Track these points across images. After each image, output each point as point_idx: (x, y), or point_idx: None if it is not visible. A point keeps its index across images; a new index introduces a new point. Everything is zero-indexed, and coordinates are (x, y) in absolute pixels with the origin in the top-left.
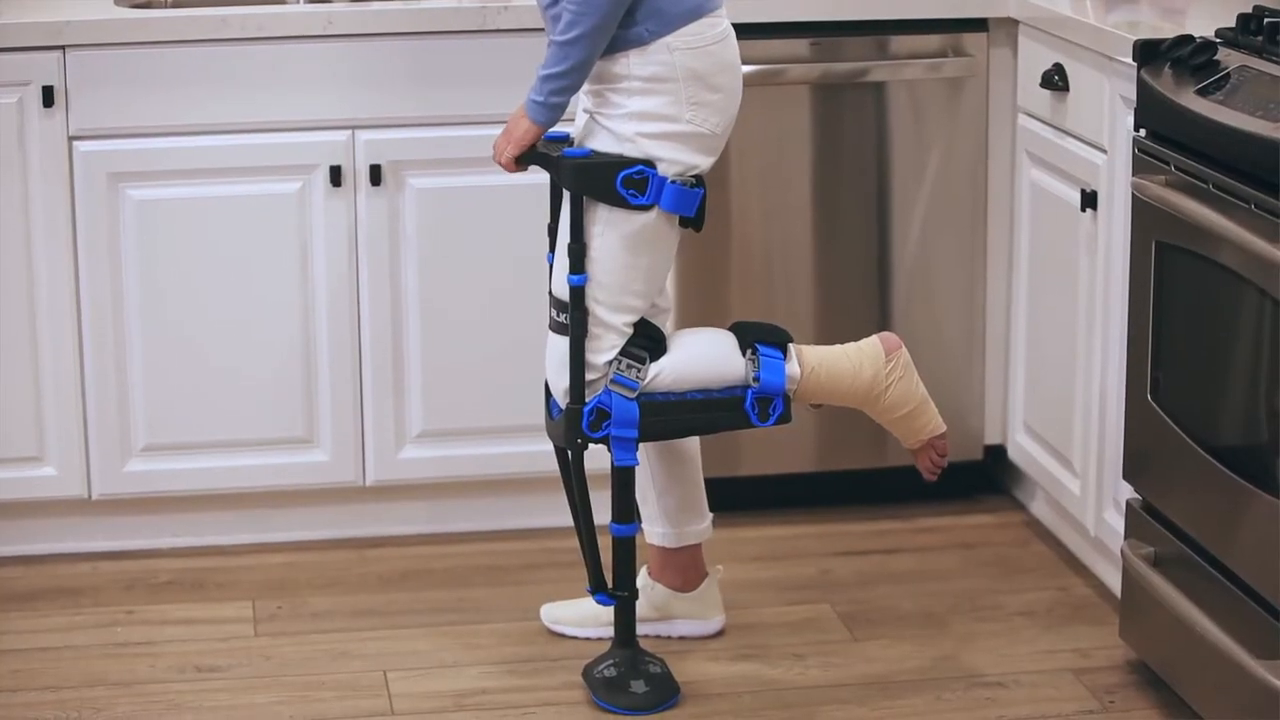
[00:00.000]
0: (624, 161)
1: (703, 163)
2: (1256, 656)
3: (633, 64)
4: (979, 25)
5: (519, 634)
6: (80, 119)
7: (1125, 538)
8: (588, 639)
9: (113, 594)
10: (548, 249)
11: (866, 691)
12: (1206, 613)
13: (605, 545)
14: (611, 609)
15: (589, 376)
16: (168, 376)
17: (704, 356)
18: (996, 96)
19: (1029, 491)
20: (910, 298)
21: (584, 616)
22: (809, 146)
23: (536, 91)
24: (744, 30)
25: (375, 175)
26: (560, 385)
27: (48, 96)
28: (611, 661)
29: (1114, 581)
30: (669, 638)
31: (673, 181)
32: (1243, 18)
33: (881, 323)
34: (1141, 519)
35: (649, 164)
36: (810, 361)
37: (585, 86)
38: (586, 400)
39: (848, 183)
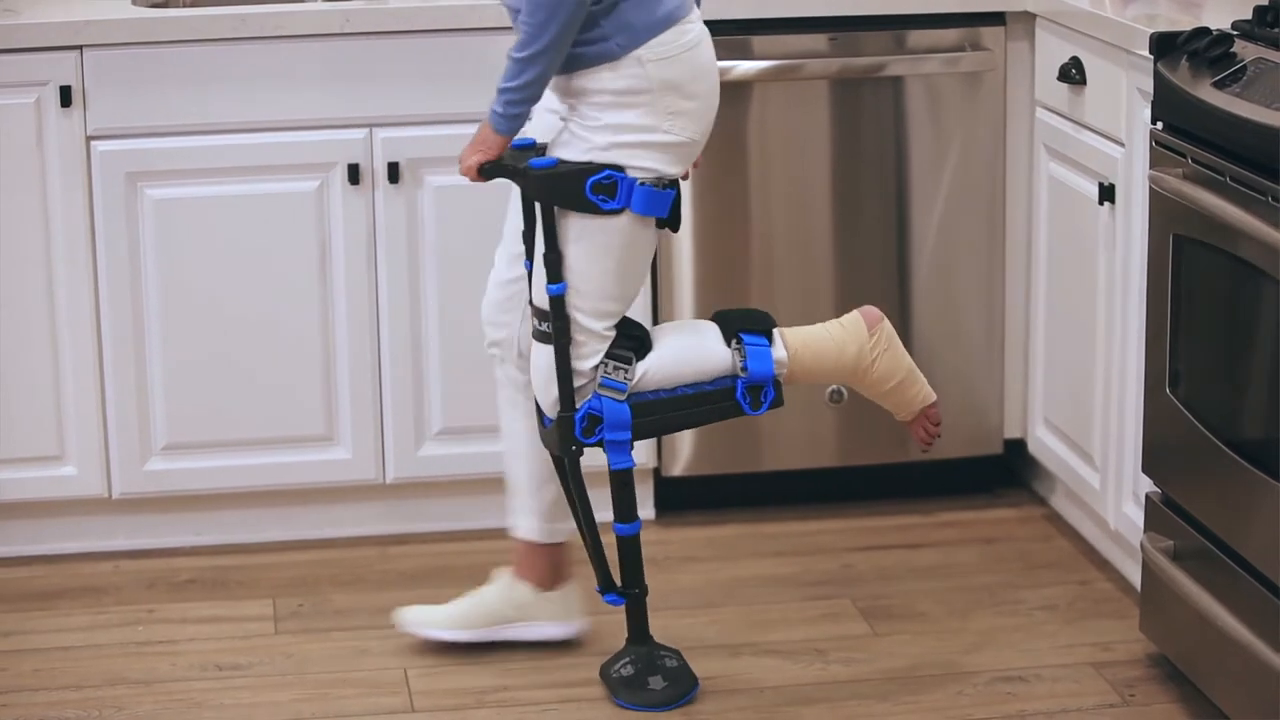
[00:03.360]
0: (591, 168)
1: (676, 170)
2: (1277, 650)
3: (605, 79)
4: (996, 19)
5: None
6: (98, 118)
7: (1145, 531)
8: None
9: (134, 593)
10: (525, 257)
11: (888, 686)
12: (1226, 606)
13: (608, 545)
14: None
15: (576, 383)
16: (188, 375)
17: (690, 351)
18: (1014, 90)
19: (1049, 485)
20: (929, 291)
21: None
22: (827, 141)
23: (496, 103)
24: (762, 25)
25: (393, 173)
26: (549, 396)
27: (65, 96)
28: (628, 659)
29: (1134, 575)
30: (526, 642)
31: (642, 184)
32: (1259, 10)
33: (901, 316)
34: (1161, 512)
35: (617, 168)
36: (794, 344)
37: (560, 95)
38: (577, 407)
39: (866, 177)
